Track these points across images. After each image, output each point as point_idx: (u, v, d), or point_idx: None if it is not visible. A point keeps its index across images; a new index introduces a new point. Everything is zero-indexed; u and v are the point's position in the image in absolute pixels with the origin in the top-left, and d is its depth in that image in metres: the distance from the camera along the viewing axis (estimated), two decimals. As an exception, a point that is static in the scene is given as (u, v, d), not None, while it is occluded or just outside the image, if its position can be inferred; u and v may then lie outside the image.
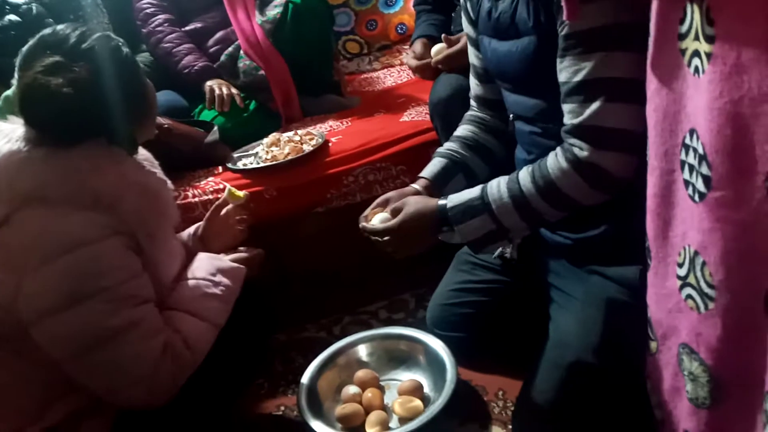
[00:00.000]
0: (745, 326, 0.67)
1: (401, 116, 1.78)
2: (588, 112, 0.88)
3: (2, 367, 0.96)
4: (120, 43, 0.99)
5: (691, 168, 0.69)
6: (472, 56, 1.20)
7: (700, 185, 0.66)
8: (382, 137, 1.67)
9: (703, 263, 0.69)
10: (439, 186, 1.17)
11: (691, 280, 0.72)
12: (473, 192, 1.00)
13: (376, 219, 1.10)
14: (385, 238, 1.06)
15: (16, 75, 0.93)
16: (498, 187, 0.98)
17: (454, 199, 1.01)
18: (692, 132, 0.67)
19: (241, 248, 1.23)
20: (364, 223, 1.11)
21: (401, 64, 2.34)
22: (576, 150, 0.90)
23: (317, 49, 1.96)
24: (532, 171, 0.95)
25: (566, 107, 0.92)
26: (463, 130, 1.24)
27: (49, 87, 0.89)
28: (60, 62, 0.90)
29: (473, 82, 1.24)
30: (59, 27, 0.95)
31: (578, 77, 0.88)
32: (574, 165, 0.90)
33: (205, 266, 1.11)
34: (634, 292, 0.98)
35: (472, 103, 1.27)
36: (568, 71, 0.90)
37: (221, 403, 1.14)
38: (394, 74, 2.25)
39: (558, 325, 1.09)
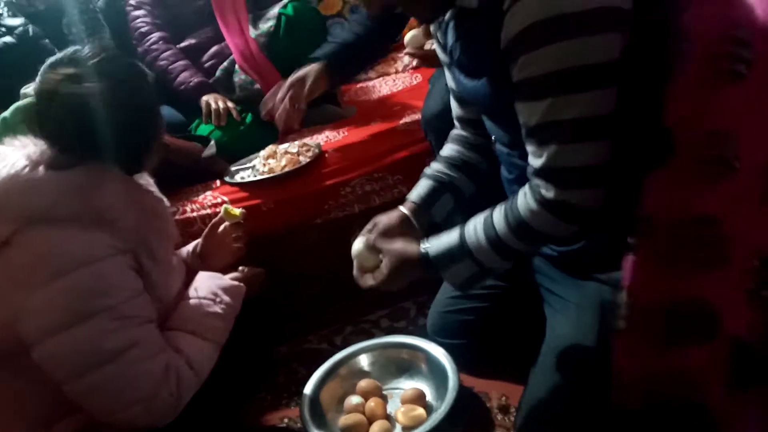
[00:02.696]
0: None
1: (397, 125, 1.79)
2: (546, 155, 0.88)
3: (3, 385, 0.96)
4: (142, 72, 1.01)
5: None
6: (449, 79, 1.19)
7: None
8: (379, 147, 1.67)
9: None
10: (426, 208, 1.18)
11: None
12: (452, 238, 1.01)
13: (358, 243, 1.10)
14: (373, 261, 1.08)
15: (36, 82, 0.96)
16: (475, 231, 0.99)
17: (435, 246, 1.02)
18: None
19: (242, 267, 1.24)
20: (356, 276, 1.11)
21: (396, 72, 2.36)
22: (542, 191, 0.90)
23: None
24: (505, 213, 0.96)
25: (527, 148, 0.92)
26: (448, 149, 1.25)
27: (57, 94, 0.91)
28: (74, 75, 0.92)
29: (453, 103, 1.24)
30: (88, 47, 0.98)
31: (532, 121, 0.88)
32: (543, 204, 0.91)
33: (206, 285, 1.12)
34: None
35: (456, 123, 1.27)
36: (522, 115, 0.90)
37: (224, 416, 1.14)
38: (390, 83, 2.26)
39: (554, 330, 1.09)
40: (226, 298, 1.10)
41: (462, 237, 1.00)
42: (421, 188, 1.20)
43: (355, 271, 1.10)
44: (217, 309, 1.08)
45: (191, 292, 1.10)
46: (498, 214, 0.97)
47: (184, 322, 1.05)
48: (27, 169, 0.92)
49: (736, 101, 0.77)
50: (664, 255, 0.83)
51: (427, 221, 1.18)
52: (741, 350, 0.82)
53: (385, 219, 1.15)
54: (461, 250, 0.99)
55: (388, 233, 1.10)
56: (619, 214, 0.85)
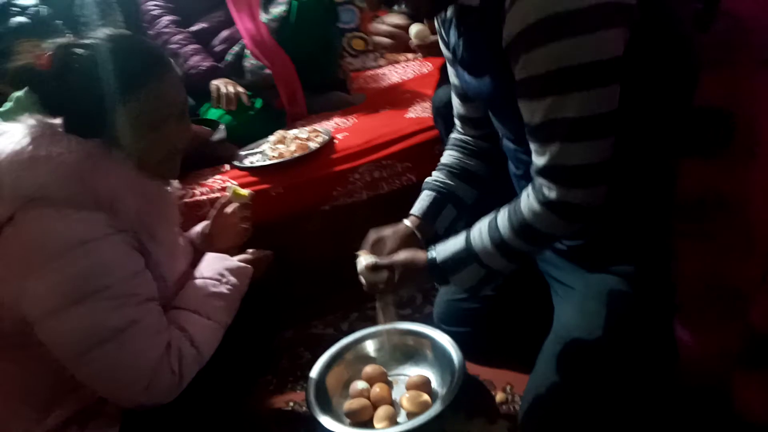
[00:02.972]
0: None
1: (406, 112, 1.79)
2: (549, 153, 0.88)
3: (7, 365, 0.97)
4: (133, 46, 0.98)
5: None
6: (452, 76, 1.18)
7: None
8: (388, 134, 1.67)
9: None
10: (430, 221, 1.18)
11: None
12: (458, 243, 1.01)
13: (361, 266, 1.09)
14: (379, 277, 1.08)
15: None
16: (480, 235, 0.99)
17: (441, 252, 1.02)
18: None
19: (250, 249, 1.24)
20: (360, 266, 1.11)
21: (406, 60, 2.35)
22: (545, 191, 0.90)
23: (322, 47, 1.97)
24: (509, 215, 0.96)
25: (531, 146, 0.92)
26: (447, 157, 1.25)
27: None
28: (62, 45, 0.92)
29: (455, 101, 1.23)
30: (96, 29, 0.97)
31: (534, 119, 0.88)
32: (546, 205, 0.91)
33: (212, 265, 1.12)
34: (634, 282, 0.98)
35: (457, 122, 1.26)
36: (525, 113, 0.90)
37: (230, 399, 1.15)
38: (399, 70, 2.26)
39: (560, 319, 1.09)
40: (232, 279, 1.10)
41: (468, 241, 1.00)
42: (423, 202, 1.20)
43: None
44: (223, 289, 1.08)
45: (197, 272, 1.10)
46: (502, 216, 0.97)
47: (189, 301, 1.05)
48: (29, 147, 0.91)
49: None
50: (710, 240, 0.83)
51: (431, 234, 1.18)
52: (755, 333, 0.82)
53: (391, 234, 1.15)
54: (467, 254, 0.99)
55: (393, 251, 1.11)
56: (632, 207, 0.85)
